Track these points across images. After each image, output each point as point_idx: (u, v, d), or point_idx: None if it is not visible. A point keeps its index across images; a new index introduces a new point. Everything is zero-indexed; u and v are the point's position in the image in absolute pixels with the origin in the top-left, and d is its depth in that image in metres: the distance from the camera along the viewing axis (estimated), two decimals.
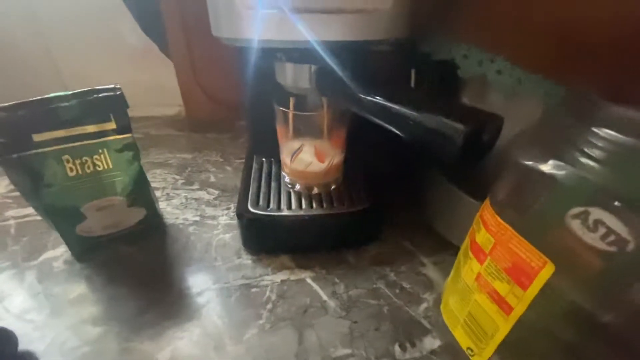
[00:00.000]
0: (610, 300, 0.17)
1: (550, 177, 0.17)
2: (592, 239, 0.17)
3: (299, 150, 0.36)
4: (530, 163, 0.18)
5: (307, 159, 0.37)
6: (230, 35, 0.26)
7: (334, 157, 0.37)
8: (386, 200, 0.42)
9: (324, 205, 0.38)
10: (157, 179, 0.52)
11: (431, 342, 0.30)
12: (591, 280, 0.17)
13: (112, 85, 0.32)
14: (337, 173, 0.40)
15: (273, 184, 0.41)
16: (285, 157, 0.39)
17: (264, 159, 0.45)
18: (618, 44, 0.21)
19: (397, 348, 0.29)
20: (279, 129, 0.37)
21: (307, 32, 0.24)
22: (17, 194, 0.47)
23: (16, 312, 0.32)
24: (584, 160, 0.16)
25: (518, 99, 0.25)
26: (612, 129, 0.15)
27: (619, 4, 0.22)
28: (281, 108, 0.35)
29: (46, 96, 0.29)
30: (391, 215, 0.43)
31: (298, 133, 0.36)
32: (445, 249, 0.39)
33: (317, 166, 0.37)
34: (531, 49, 0.25)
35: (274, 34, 0.25)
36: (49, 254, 0.38)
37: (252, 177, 0.42)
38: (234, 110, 0.66)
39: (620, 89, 0.19)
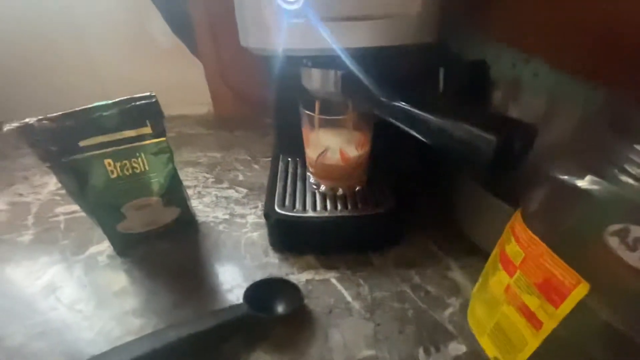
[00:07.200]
0: None
1: (586, 193, 0.17)
2: (632, 258, 0.16)
3: (324, 152, 0.36)
4: (565, 177, 0.17)
5: (332, 161, 0.37)
6: (258, 46, 0.27)
7: (359, 159, 0.37)
8: (413, 201, 0.42)
9: (349, 206, 0.38)
10: (189, 178, 0.54)
11: (456, 348, 0.30)
12: (628, 301, 0.17)
13: (148, 94, 0.34)
14: (362, 174, 0.40)
15: (299, 185, 0.41)
16: (310, 159, 0.39)
17: (289, 159, 0.46)
18: None
19: (421, 352, 0.29)
20: (305, 131, 0.38)
21: (333, 40, 0.24)
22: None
23: (67, 303, 0.35)
24: (623, 177, 0.15)
25: (555, 105, 0.24)
26: None
27: None
28: (307, 111, 0.35)
29: (90, 106, 0.32)
30: (418, 217, 0.42)
31: (323, 136, 0.36)
32: (474, 254, 0.38)
33: (342, 168, 0.37)
34: (569, 49, 0.23)
35: (300, 43, 0.25)
36: (94, 249, 0.41)
37: (278, 177, 0.43)
38: (260, 107, 0.67)
39: None
